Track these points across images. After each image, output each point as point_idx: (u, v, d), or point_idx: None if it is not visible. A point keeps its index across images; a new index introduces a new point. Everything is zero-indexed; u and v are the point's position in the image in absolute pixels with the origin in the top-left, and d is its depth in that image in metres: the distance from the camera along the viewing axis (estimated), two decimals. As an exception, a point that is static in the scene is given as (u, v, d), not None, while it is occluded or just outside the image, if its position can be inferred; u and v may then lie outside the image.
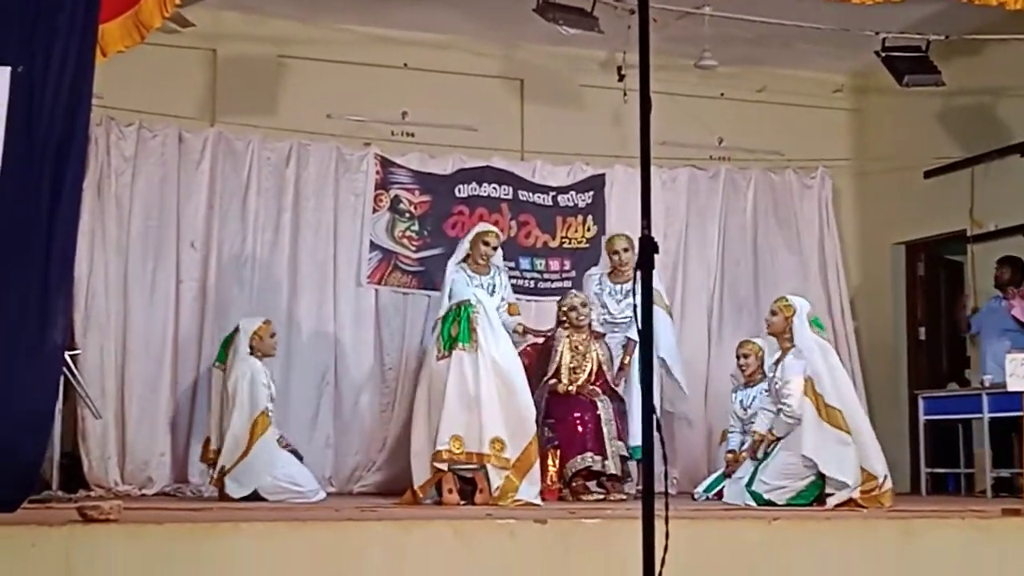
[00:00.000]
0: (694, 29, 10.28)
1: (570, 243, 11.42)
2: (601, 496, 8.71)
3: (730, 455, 9.20)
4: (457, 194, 11.08)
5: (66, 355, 7.12)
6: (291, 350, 10.14)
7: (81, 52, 5.14)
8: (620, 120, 10.99)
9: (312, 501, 8.32)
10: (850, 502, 7.61)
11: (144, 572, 4.58)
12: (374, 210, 10.85)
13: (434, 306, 9.67)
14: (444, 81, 11.29)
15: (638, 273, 3.84)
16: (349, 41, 11.01)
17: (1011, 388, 6.72)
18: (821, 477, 7.82)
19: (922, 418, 10.75)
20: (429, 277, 10.62)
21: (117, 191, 10.11)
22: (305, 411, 10.31)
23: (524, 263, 11.20)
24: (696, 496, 9.31)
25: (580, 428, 8.83)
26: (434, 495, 7.92)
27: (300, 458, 8.80)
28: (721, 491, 8.90)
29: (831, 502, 7.66)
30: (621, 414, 9.04)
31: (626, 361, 9.46)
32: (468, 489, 7.91)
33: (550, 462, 8.75)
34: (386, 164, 10.95)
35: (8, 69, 4.93)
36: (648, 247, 3.81)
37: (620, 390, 9.27)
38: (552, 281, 11.25)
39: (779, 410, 8.16)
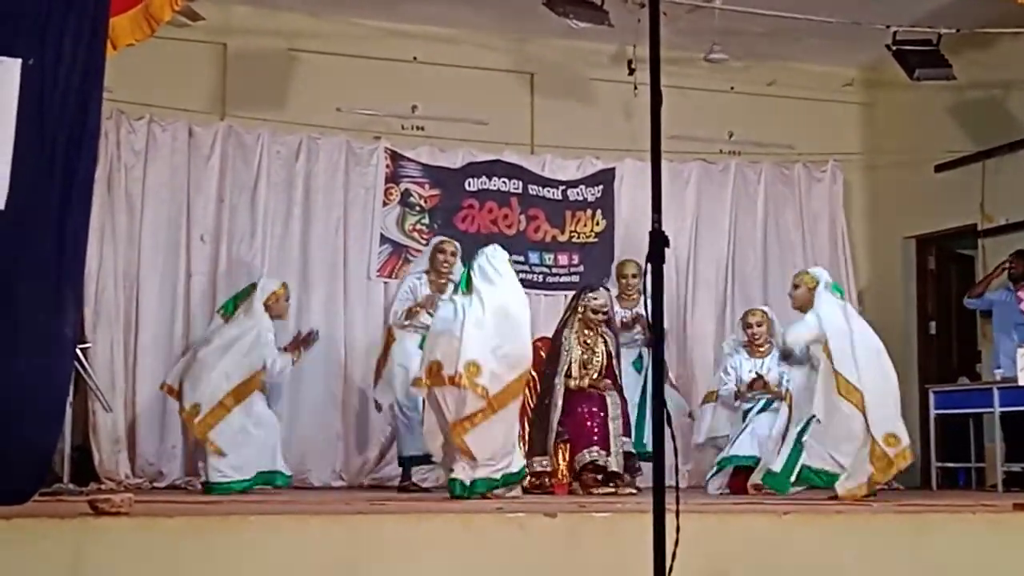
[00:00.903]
0: (704, 22, 10.27)
1: (579, 237, 11.42)
2: (611, 490, 8.71)
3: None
4: (467, 188, 11.09)
5: (76, 348, 7.14)
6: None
7: (92, 45, 5.13)
8: (630, 114, 10.98)
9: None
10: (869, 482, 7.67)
11: (154, 565, 4.58)
12: (384, 203, 10.87)
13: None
14: (454, 75, 11.29)
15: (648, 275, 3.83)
16: (359, 35, 11.01)
17: (1022, 382, 6.71)
18: None
19: (932, 412, 10.70)
20: (439, 271, 10.62)
21: (127, 185, 10.14)
22: (315, 404, 10.33)
23: (533, 257, 11.21)
24: (708, 485, 9.36)
25: (588, 422, 8.82)
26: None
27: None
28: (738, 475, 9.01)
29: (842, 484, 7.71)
30: (626, 412, 9.07)
31: None
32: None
33: (560, 456, 8.76)
34: (396, 158, 10.96)
35: (19, 62, 4.93)
36: (659, 241, 3.80)
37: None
38: (560, 275, 11.26)
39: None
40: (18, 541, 4.42)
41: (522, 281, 10.50)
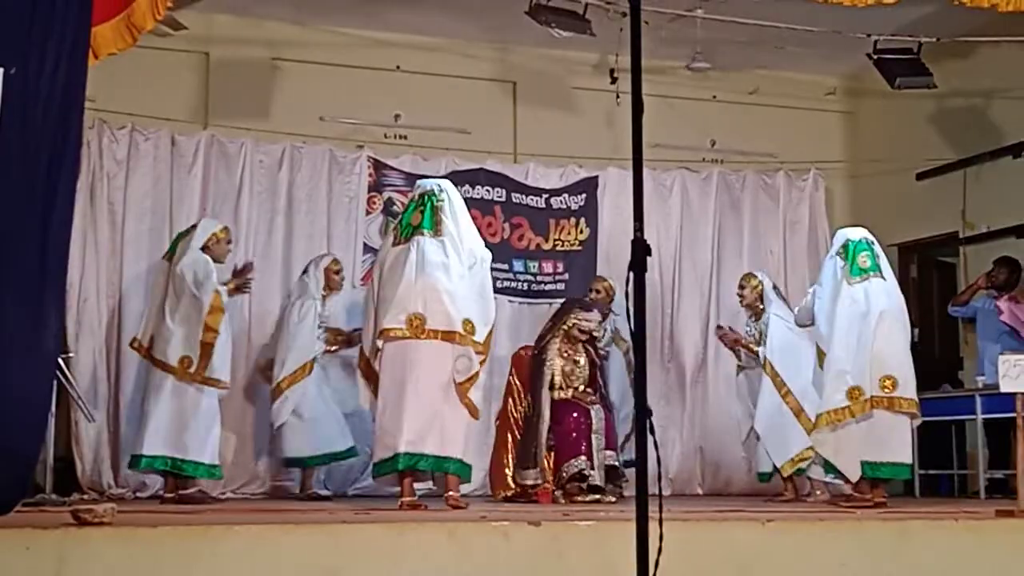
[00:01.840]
0: (686, 31, 10.31)
1: (563, 245, 11.43)
2: (595, 498, 8.71)
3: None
4: (450, 196, 11.08)
5: (59, 359, 7.12)
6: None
7: (74, 54, 5.13)
8: (613, 122, 11.00)
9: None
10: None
11: (137, 575, 4.57)
12: (367, 212, 10.88)
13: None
14: (437, 84, 11.31)
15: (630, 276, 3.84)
16: (342, 44, 11.01)
17: (1004, 389, 6.73)
18: None
19: (915, 419, 10.73)
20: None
21: (110, 194, 10.12)
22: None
23: (517, 265, 11.21)
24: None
25: (575, 433, 8.83)
26: None
27: None
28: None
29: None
30: (611, 424, 9.06)
31: None
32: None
33: (547, 464, 8.77)
34: (379, 166, 10.96)
35: (1, 71, 4.93)
36: (640, 249, 3.81)
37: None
38: (545, 283, 11.27)
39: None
40: (1, 551, 4.40)
41: (507, 289, 10.60)
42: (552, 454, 8.83)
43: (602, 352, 9.55)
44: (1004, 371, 6.69)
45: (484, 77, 11.60)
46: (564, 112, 11.64)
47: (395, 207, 10.90)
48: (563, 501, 8.66)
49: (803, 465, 8.97)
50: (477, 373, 7.16)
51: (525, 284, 11.21)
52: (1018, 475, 6.64)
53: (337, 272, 9.68)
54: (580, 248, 11.42)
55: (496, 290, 8.30)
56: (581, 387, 9.08)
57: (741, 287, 9.61)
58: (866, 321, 7.89)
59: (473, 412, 7.19)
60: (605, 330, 9.71)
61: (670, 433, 11.05)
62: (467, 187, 11.10)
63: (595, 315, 9.28)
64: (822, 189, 12.20)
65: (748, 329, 9.49)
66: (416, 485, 7.29)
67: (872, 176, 12.21)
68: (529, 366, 9.21)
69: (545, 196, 11.42)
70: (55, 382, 6.39)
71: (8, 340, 4.86)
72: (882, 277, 8.10)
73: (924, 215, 11.72)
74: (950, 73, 10.83)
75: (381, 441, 7.19)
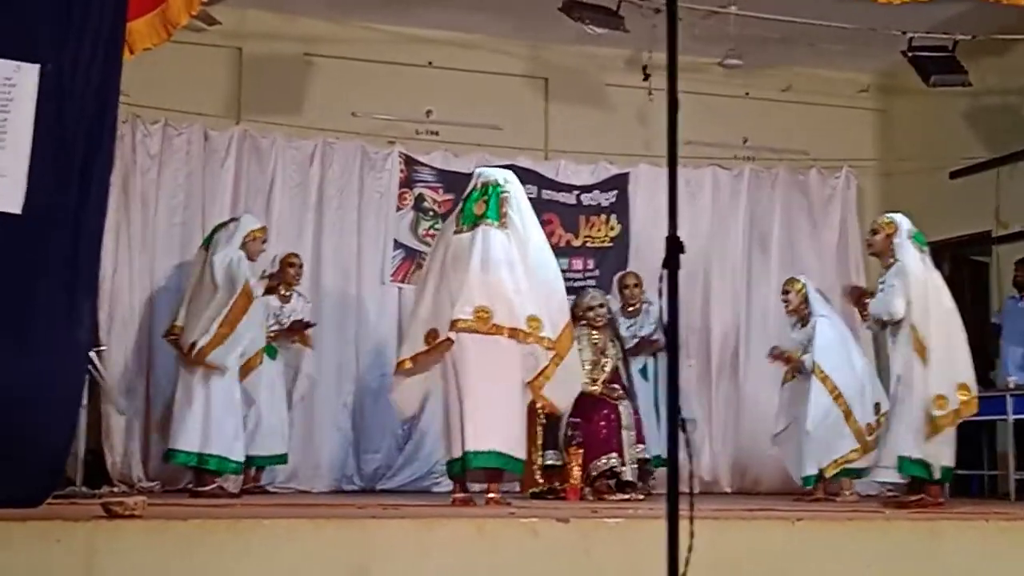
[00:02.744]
0: (719, 28, 10.27)
1: (593, 242, 11.42)
2: (625, 496, 8.69)
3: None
4: (481, 193, 11.08)
5: (91, 351, 7.15)
6: (315, 347, 10.14)
7: (109, 50, 5.15)
8: (645, 119, 11.00)
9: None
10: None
11: (167, 567, 4.59)
12: (398, 208, 10.89)
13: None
14: (469, 80, 11.31)
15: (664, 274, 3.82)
16: (375, 40, 11.03)
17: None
18: None
19: (946, 419, 10.66)
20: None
21: (143, 189, 10.17)
22: (328, 409, 10.35)
23: (548, 262, 11.18)
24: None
25: (605, 430, 8.82)
26: None
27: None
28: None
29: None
30: (639, 418, 9.06)
31: None
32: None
33: (573, 461, 8.75)
34: (410, 162, 10.97)
35: (37, 67, 4.95)
36: (674, 247, 3.79)
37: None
38: (575, 280, 11.22)
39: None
40: (32, 543, 4.42)
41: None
42: (579, 449, 8.79)
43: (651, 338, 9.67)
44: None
45: (516, 73, 11.59)
46: (596, 108, 11.63)
47: (425, 203, 10.92)
48: (592, 498, 8.65)
49: (848, 467, 8.92)
50: (544, 370, 7.02)
51: (555, 281, 11.18)
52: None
53: (292, 265, 9.60)
54: (611, 245, 11.40)
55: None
56: (603, 378, 9.05)
57: (785, 292, 9.47)
58: (952, 318, 7.83)
59: (551, 409, 7.14)
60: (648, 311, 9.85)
61: (698, 432, 11.02)
62: (498, 183, 11.12)
63: (595, 291, 9.41)
64: (854, 187, 12.15)
65: (795, 336, 9.33)
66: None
67: (904, 174, 12.14)
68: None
69: (576, 192, 11.41)
70: (87, 375, 6.43)
71: (41, 333, 4.89)
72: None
73: (957, 214, 11.63)
74: (984, 71, 10.77)
75: (451, 440, 7.07)
